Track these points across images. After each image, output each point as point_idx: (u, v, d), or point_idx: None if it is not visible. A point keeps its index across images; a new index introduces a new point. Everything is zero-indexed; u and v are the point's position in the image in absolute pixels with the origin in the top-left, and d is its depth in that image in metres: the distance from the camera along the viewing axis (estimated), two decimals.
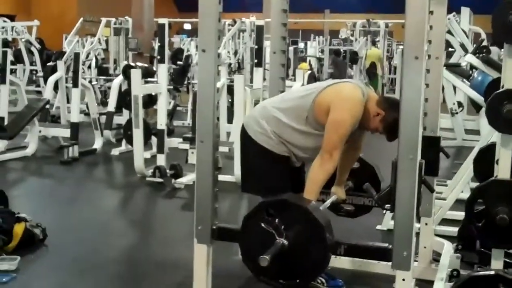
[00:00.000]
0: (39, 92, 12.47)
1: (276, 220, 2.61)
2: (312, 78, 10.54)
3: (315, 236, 2.58)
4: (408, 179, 2.56)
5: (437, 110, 3.74)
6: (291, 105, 3.27)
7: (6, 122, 8.07)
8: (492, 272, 2.83)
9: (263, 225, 2.63)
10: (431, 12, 3.49)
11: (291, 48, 14.72)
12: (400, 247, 2.59)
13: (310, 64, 15.63)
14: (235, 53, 13.83)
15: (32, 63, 14.18)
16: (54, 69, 9.09)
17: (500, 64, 3.46)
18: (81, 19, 11.91)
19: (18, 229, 4.24)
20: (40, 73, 12.86)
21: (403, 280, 2.61)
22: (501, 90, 3.06)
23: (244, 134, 3.35)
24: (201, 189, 2.91)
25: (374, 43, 15.65)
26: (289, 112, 3.24)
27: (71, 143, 7.64)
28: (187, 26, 24.08)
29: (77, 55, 8.28)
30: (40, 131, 7.98)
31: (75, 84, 8.06)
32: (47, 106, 8.66)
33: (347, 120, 3.09)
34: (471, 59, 5.89)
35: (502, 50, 3.38)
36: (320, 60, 16.57)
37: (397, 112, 2.60)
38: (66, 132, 7.86)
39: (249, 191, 3.53)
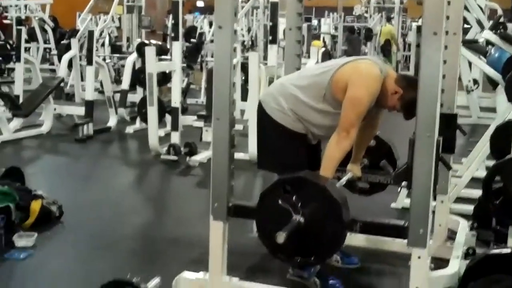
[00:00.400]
0: (53, 71, 12.49)
1: (293, 197, 2.61)
2: (326, 56, 10.46)
3: (331, 214, 2.57)
4: (425, 157, 2.54)
5: (454, 87, 3.70)
6: (308, 82, 3.25)
7: (21, 100, 8.12)
8: (509, 250, 2.82)
9: (279, 202, 2.63)
10: None
11: (304, 25, 14.57)
12: (416, 224, 2.58)
13: (324, 42, 15.53)
14: (249, 30, 13.77)
15: (46, 41, 14.18)
16: (68, 47, 9.11)
17: None
18: None
19: (35, 206, 4.28)
20: (54, 51, 12.86)
21: (419, 257, 2.60)
22: None
23: (261, 111, 3.34)
24: (218, 167, 2.91)
25: (389, 20, 15.50)
26: (306, 90, 3.22)
27: (86, 121, 7.68)
28: (200, 4, 24.02)
29: (91, 33, 8.29)
30: (55, 109, 8.03)
31: (89, 62, 8.08)
32: (62, 84, 8.69)
33: (365, 97, 3.06)
34: (488, 35, 5.81)
35: None
36: (334, 37, 16.45)
37: (415, 91, 2.56)
38: (81, 110, 7.90)
39: (265, 168, 3.52)
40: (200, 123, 6.79)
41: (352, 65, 3.17)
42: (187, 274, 3.10)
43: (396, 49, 15.09)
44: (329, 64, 3.34)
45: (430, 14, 2.48)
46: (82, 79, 9.12)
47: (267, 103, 3.30)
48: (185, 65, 9.82)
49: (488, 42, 6.44)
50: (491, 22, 7.13)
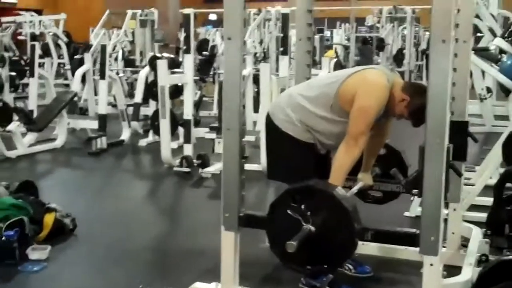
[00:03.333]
0: (67, 85, 12.57)
1: (302, 206, 2.61)
2: (338, 66, 10.46)
3: (341, 222, 2.57)
4: (435, 164, 2.54)
5: (465, 95, 3.69)
6: (316, 93, 3.27)
7: (35, 115, 8.19)
8: None
9: (289, 211, 2.63)
10: None
11: (317, 37, 14.67)
12: (427, 231, 2.57)
13: (336, 52, 15.54)
14: (261, 42, 13.80)
15: (59, 56, 14.30)
16: (81, 62, 9.17)
17: None
18: (107, 11, 11.98)
19: (48, 219, 4.30)
20: (68, 66, 12.97)
21: (431, 265, 2.59)
22: None
23: (269, 123, 3.37)
24: (228, 176, 2.92)
25: None
26: (314, 100, 3.25)
27: (99, 135, 7.73)
28: (213, 17, 24.14)
29: (103, 47, 8.35)
30: (68, 123, 8.08)
31: (102, 76, 8.14)
32: (75, 99, 8.75)
33: (373, 106, 3.08)
34: (500, 42, 5.80)
35: None
36: (346, 47, 16.46)
37: (422, 98, 2.58)
38: (94, 124, 7.94)
39: (275, 178, 3.55)
40: (213, 135, 6.81)
41: (359, 76, 3.19)
42: (199, 285, 3.11)
43: None
44: (337, 74, 3.36)
45: (439, 22, 2.49)
46: (96, 93, 9.17)
47: (275, 115, 3.32)
48: (197, 77, 9.87)
49: (501, 50, 6.41)
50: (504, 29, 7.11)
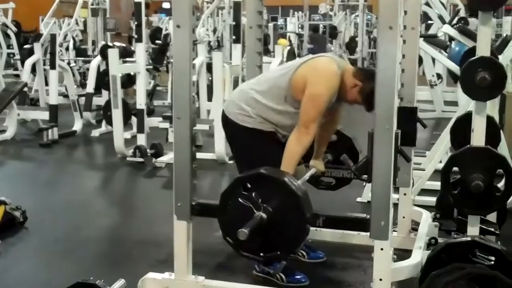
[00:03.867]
0: (18, 76, 12.33)
1: (253, 194, 2.61)
2: (291, 54, 10.51)
3: (292, 208, 2.59)
4: (384, 149, 2.58)
5: (413, 81, 3.74)
6: (268, 86, 3.27)
7: None
8: (468, 239, 2.87)
9: (240, 199, 2.63)
10: None
11: (270, 25, 14.66)
12: (377, 216, 2.62)
13: (289, 40, 15.58)
14: (214, 30, 13.74)
15: (9, 46, 13.99)
16: (31, 52, 8.99)
17: (475, 33, 3.46)
18: (57, 0, 11.74)
19: None
20: (18, 57, 12.68)
21: (382, 249, 2.64)
22: (475, 57, 3.07)
23: (226, 120, 3.34)
24: (180, 166, 2.93)
25: None
26: (267, 93, 3.24)
27: (50, 126, 7.60)
28: (166, 5, 23.89)
29: (53, 37, 8.19)
30: (18, 114, 7.92)
31: (53, 66, 7.99)
32: (26, 89, 8.58)
33: (323, 93, 3.10)
34: (447, 29, 5.89)
35: None
36: (300, 36, 16.53)
37: (374, 82, 2.61)
38: (45, 115, 7.81)
39: None
40: (166, 124, 6.76)
41: (309, 64, 3.20)
42: (152, 275, 3.09)
43: None
44: (287, 65, 3.37)
45: (386, 8, 2.53)
46: (47, 83, 9.01)
47: (230, 111, 3.30)
48: (151, 67, 9.78)
49: (451, 37, 6.52)
50: (452, 16, 7.23)
